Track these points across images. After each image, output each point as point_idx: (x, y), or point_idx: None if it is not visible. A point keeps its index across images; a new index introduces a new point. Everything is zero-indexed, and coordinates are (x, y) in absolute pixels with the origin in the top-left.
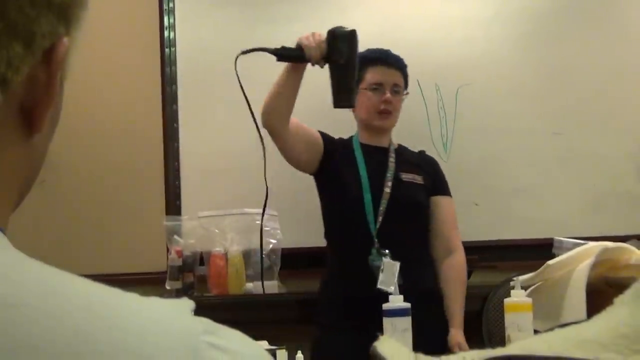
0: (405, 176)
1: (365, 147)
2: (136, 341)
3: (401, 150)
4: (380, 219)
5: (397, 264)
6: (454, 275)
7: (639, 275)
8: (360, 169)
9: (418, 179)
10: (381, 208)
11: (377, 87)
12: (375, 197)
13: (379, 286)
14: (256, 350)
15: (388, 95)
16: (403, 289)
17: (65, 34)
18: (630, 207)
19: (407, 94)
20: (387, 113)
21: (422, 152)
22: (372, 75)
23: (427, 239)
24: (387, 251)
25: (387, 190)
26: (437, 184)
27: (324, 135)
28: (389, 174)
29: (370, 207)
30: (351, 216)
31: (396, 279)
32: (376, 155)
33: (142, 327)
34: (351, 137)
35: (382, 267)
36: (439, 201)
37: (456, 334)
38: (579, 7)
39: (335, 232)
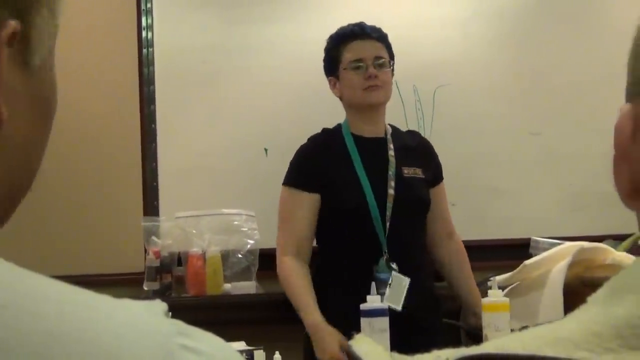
0: (407, 171)
1: (359, 140)
2: (110, 343)
3: (397, 136)
4: (387, 225)
5: (407, 280)
6: (461, 259)
7: (615, 274)
8: (358, 168)
9: (419, 173)
10: (388, 213)
11: (359, 65)
12: (380, 200)
13: (385, 302)
14: (229, 352)
15: (371, 69)
16: (413, 297)
17: (11, 17)
18: (607, 207)
19: (393, 64)
20: (375, 87)
21: (414, 133)
22: (350, 52)
23: (425, 236)
24: (395, 264)
25: (391, 191)
26: (435, 174)
27: (311, 186)
28: (391, 172)
29: (377, 213)
30: (356, 224)
31: (404, 295)
32: (373, 149)
33: (116, 329)
34: (339, 126)
35: (390, 282)
36: (437, 190)
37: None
38: (556, 8)
39: (337, 240)
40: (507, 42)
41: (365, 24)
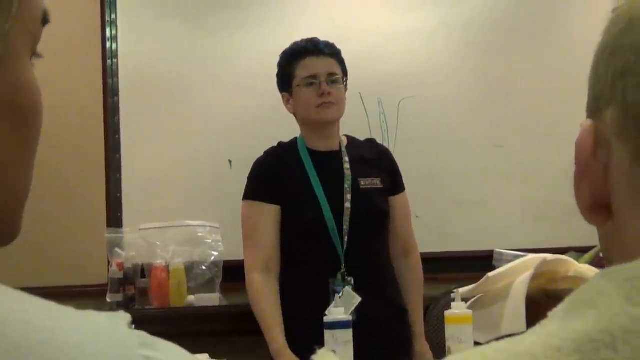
0: (364, 182)
1: (314, 155)
2: (73, 354)
3: (353, 147)
4: (345, 239)
5: (358, 299)
6: (412, 279)
7: (577, 287)
8: (314, 184)
9: (377, 182)
10: (345, 227)
11: (312, 81)
12: (337, 214)
13: (326, 312)
14: None
15: (325, 86)
16: (378, 308)
17: None
18: (570, 219)
19: (346, 80)
20: (328, 104)
21: (372, 142)
22: (303, 69)
23: (388, 246)
24: (351, 279)
25: (348, 205)
26: (394, 182)
27: (271, 198)
28: (347, 185)
29: (335, 229)
30: (314, 239)
31: (351, 311)
32: (328, 163)
33: (79, 340)
34: (295, 140)
35: (340, 295)
36: (396, 201)
37: (421, 345)
38: (520, 22)
39: (297, 254)
40: (472, 54)
41: (318, 40)
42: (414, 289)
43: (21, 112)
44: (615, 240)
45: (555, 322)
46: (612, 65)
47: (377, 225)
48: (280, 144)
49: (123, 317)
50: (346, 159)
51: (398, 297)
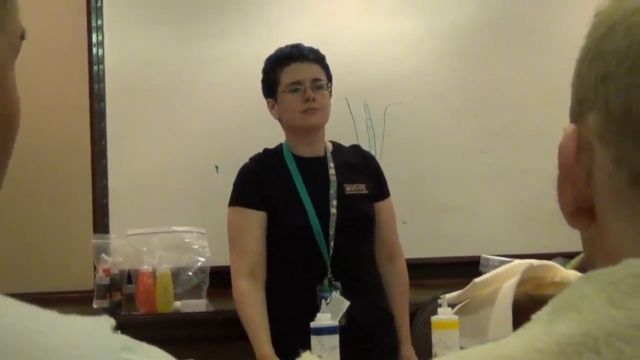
0: (350, 188)
1: (300, 161)
2: (53, 357)
3: (338, 153)
4: (332, 244)
5: (346, 304)
6: (397, 284)
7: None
8: (300, 190)
9: (362, 188)
10: (331, 232)
11: (296, 87)
12: (323, 220)
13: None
14: None
15: (309, 92)
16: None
17: None
18: (557, 225)
19: (331, 86)
20: (313, 110)
21: (357, 147)
22: (287, 75)
23: (374, 252)
24: (338, 283)
25: (334, 210)
26: (379, 187)
27: (257, 204)
28: (332, 190)
29: (321, 234)
30: (300, 245)
31: (340, 316)
32: (314, 168)
33: (60, 343)
34: (280, 146)
35: (328, 301)
36: (381, 206)
37: (407, 350)
38: (506, 28)
39: (283, 260)
40: (459, 60)
41: (303, 46)
42: (400, 294)
43: (2, 118)
44: (598, 244)
45: (538, 325)
46: (594, 70)
47: (363, 230)
48: (266, 150)
49: (106, 321)
50: (331, 164)
51: (384, 302)
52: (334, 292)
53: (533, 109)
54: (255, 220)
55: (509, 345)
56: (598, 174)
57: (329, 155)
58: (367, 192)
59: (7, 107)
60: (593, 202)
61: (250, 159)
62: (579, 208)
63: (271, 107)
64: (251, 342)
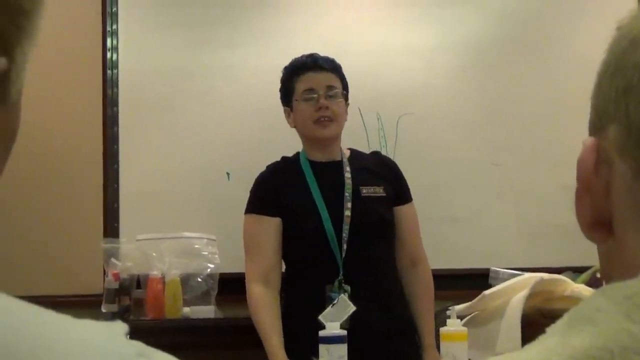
0: (365, 190)
1: (315, 166)
2: None
3: (356, 158)
4: (345, 246)
5: (352, 309)
6: (421, 290)
7: (573, 306)
8: (315, 194)
9: (379, 191)
10: (344, 234)
11: (311, 96)
12: (337, 223)
13: (320, 317)
14: None
15: (323, 101)
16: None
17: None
18: (566, 239)
19: (346, 94)
20: (326, 120)
21: (377, 154)
22: (302, 83)
23: (394, 255)
24: (348, 287)
25: (348, 213)
26: (399, 191)
27: (272, 211)
28: (347, 193)
29: (334, 237)
30: (314, 248)
31: (344, 319)
32: (329, 173)
33: (72, 348)
34: (298, 154)
35: (335, 302)
36: (403, 211)
37: (431, 356)
38: (518, 40)
39: (297, 265)
40: (471, 73)
41: (318, 55)
42: (423, 300)
43: (13, 136)
44: (615, 258)
45: (553, 338)
46: (615, 83)
47: (378, 233)
48: (283, 158)
49: (120, 327)
50: (347, 168)
51: (400, 308)
52: (341, 295)
53: (543, 123)
54: (271, 226)
55: (523, 357)
56: (617, 187)
57: (345, 160)
58: (384, 194)
59: (18, 121)
60: (611, 215)
61: (267, 167)
62: (597, 221)
63: (287, 116)
64: (264, 346)
